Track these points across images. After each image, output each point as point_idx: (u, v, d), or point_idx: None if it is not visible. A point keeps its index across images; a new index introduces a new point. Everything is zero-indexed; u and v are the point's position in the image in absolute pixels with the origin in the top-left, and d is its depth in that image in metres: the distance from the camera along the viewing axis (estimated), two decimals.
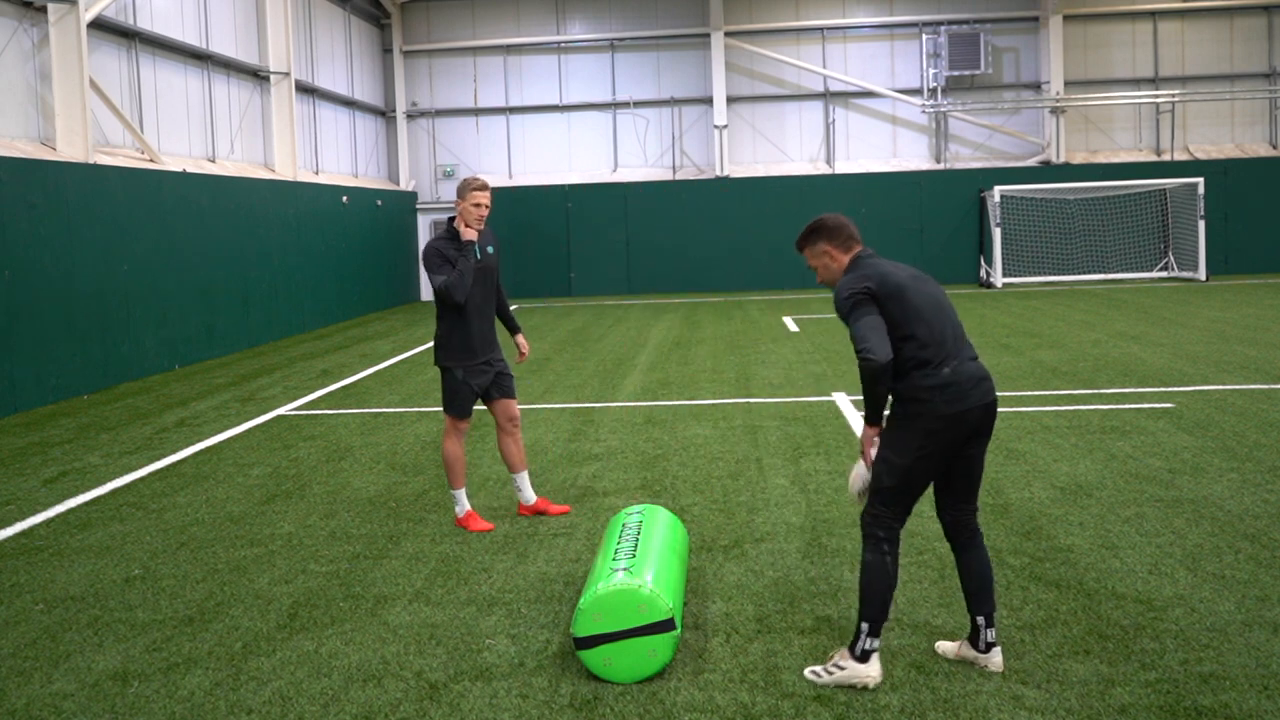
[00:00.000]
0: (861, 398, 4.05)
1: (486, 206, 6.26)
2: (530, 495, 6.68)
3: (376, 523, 6.62)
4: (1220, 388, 10.04)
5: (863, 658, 4.08)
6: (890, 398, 4.11)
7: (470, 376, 6.31)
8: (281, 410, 10.82)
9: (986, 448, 4.19)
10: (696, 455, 8.13)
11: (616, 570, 4.39)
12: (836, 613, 4.85)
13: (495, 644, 4.65)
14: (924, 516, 6.28)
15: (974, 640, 4.23)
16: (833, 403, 10.05)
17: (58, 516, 7.04)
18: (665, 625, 4.22)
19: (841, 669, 4.10)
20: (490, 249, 6.44)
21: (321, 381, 12.72)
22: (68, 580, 5.73)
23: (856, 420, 9.17)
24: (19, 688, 4.39)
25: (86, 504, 7.33)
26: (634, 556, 4.53)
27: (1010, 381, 10.83)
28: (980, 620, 4.20)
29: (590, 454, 8.32)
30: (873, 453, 4.14)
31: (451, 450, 6.42)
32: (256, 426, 9.98)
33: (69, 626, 5.05)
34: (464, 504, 6.49)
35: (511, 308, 6.91)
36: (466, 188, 6.23)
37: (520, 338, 6.76)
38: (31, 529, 6.76)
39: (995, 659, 4.20)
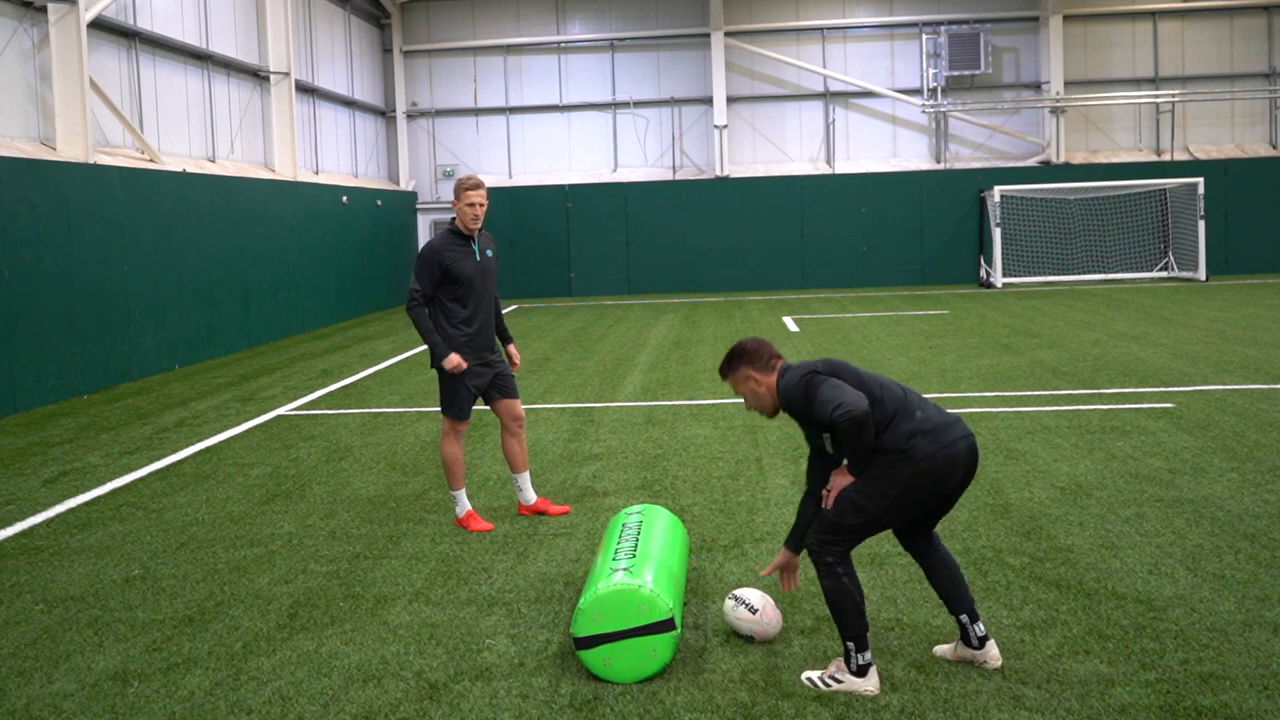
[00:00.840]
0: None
1: (482, 204, 6.24)
2: (531, 495, 6.68)
3: (376, 523, 6.62)
4: (1220, 388, 10.04)
5: (860, 672, 4.06)
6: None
7: (468, 377, 6.30)
8: (281, 410, 10.82)
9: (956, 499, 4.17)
10: (696, 455, 8.13)
11: (616, 570, 4.39)
12: None
13: (495, 644, 4.65)
14: None
15: (965, 639, 4.21)
16: None
17: (58, 516, 7.04)
18: (665, 625, 4.22)
19: (839, 681, 4.08)
20: (490, 252, 6.44)
21: (321, 381, 12.72)
22: (68, 580, 5.73)
23: None
24: (19, 688, 4.39)
25: (86, 504, 7.33)
26: (634, 556, 4.54)
27: (1010, 381, 10.83)
28: (964, 618, 4.19)
29: (590, 454, 8.32)
30: (838, 488, 4.07)
31: (450, 451, 6.41)
32: (256, 426, 9.98)
33: (69, 626, 5.05)
34: (464, 504, 6.49)
35: (510, 309, 6.90)
36: (460, 188, 6.22)
37: (512, 348, 6.73)
38: (31, 529, 6.76)
39: (992, 652, 4.19)
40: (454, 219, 6.33)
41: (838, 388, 3.93)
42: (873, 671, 4.07)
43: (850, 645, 4.05)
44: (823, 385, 3.96)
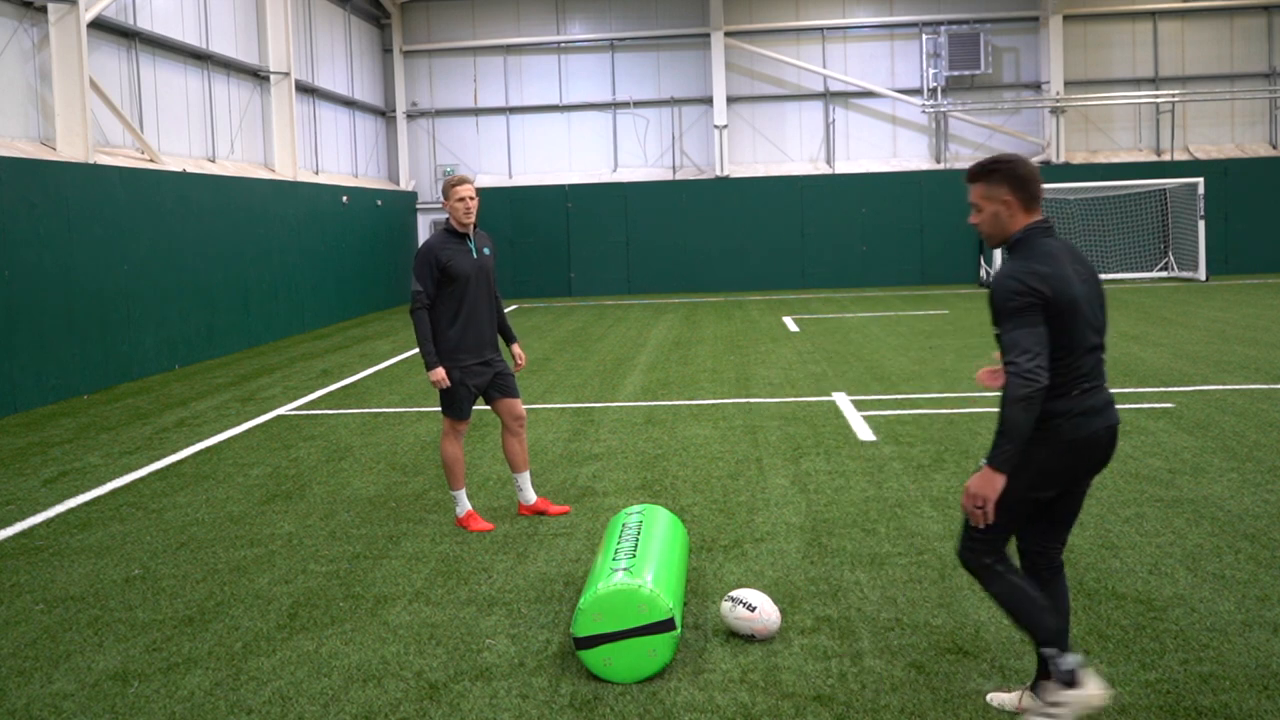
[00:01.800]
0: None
1: (472, 199, 6.26)
2: (531, 495, 6.69)
3: (376, 523, 6.62)
4: (1220, 388, 10.04)
5: (1071, 680, 3.49)
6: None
7: (467, 377, 6.31)
8: (281, 410, 10.82)
9: (1090, 483, 3.70)
10: (696, 455, 8.13)
11: (616, 570, 4.39)
12: (836, 613, 4.85)
13: (495, 644, 4.65)
14: (924, 517, 6.29)
15: (1046, 671, 3.64)
16: (833, 403, 10.05)
17: (58, 516, 7.04)
18: (665, 625, 4.22)
19: (1064, 704, 3.50)
20: (486, 250, 6.45)
21: (321, 381, 12.72)
22: (68, 580, 5.73)
23: (856, 420, 9.16)
24: (19, 688, 4.39)
25: (86, 504, 7.33)
26: (634, 556, 4.54)
27: None
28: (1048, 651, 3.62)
29: (590, 454, 8.32)
30: (992, 510, 3.47)
31: (450, 452, 6.42)
32: (256, 426, 9.98)
33: (69, 626, 5.05)
34: (464, 504, 6.49)
35: (510, 309, 6.90)
36: (448, 186, 6.27)
37: (516, 347, 6.75)
38: (31, 529, 6.76)
39: (1090, 681, 3.59)
40: (448, 219, 6.36)
41: (1040, 342, 3.35)
42: (1089, 674, 3.52)
43: (1049, 651, 3.51)
44: (1025, 329, 3.37)
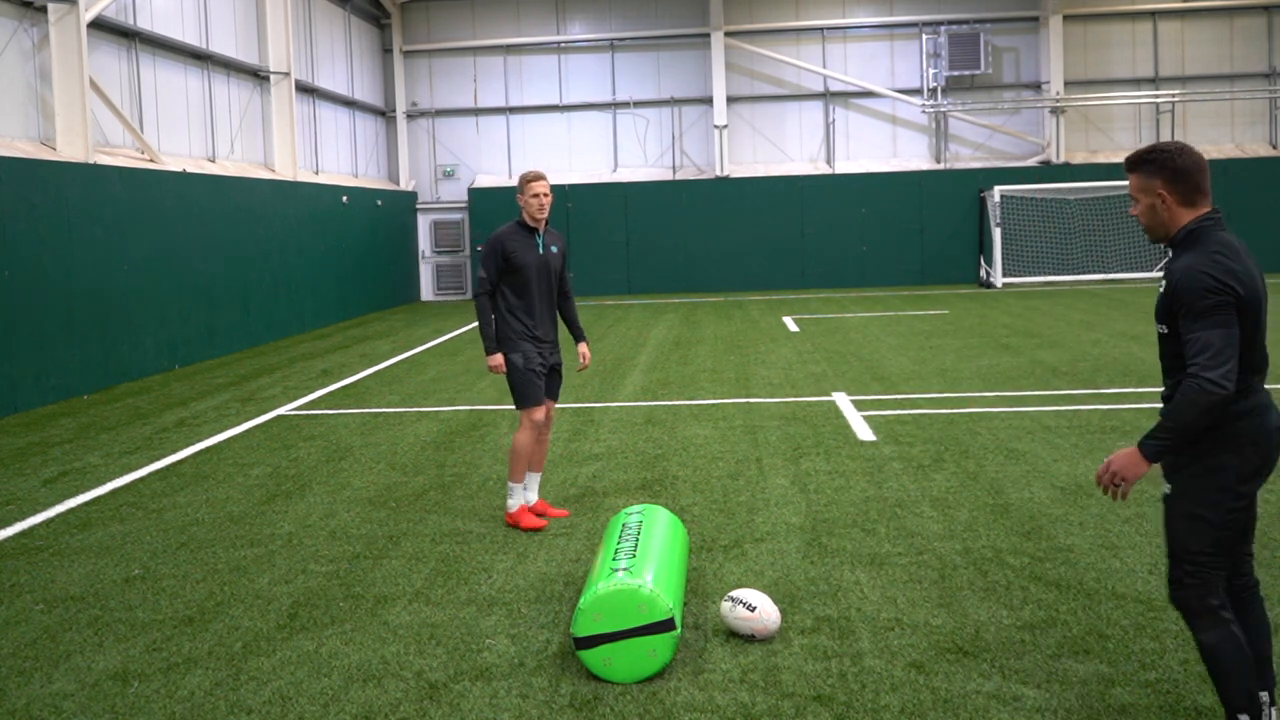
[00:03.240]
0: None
1: (546, 195, 6.28)
2: (533, 496, 6.67)
3: (376, 523, 6.62)
4: None
5: None
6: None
7: (531, 362, 6.28)
8: (281, 410, 10.82)
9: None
10: (696, 455, 8.13)
11: (616, 570, 4.39)
12: (836, 612, 4.85)
13: (495, 644, 4.65)
14: (924, 517, 6.29)
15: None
16: (833, 403, 10.05)
17: (58, 516, 7.04)
18: (665, 625, 4.22)
19: None
20: (554, 249, 6.47)
21: (321, 381, 12.72)
22: (68, 580, 5.73)
23: (856, 420, 9.16)
24: (19, 688, 4.39)
25: (86, 504, 7.33)
26: (634, 556, 4.54)
27: (1010, 381, 10.83)
28: (1264, 697, 3.32)
29: (590, 454, 8.32)
30: (1129, 489, 3.31)
31: (525, 443, 6.32)
32: (256, 426, 9.98)
33: (69, 626, 5.05)
34: (519, 499, 6.43)
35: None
36: (523, 180, 6.31)
37: (583, 346, 6.74)
38: (31, 529, 6.76)
39: None
40: (521, 211, 6.37)
41: (1233, 345, 3.12)
42: None
43: (1244, 719, 3.21)
44: (1219, 330, 3.13)
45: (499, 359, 6.27)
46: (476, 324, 6.36)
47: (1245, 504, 3.28)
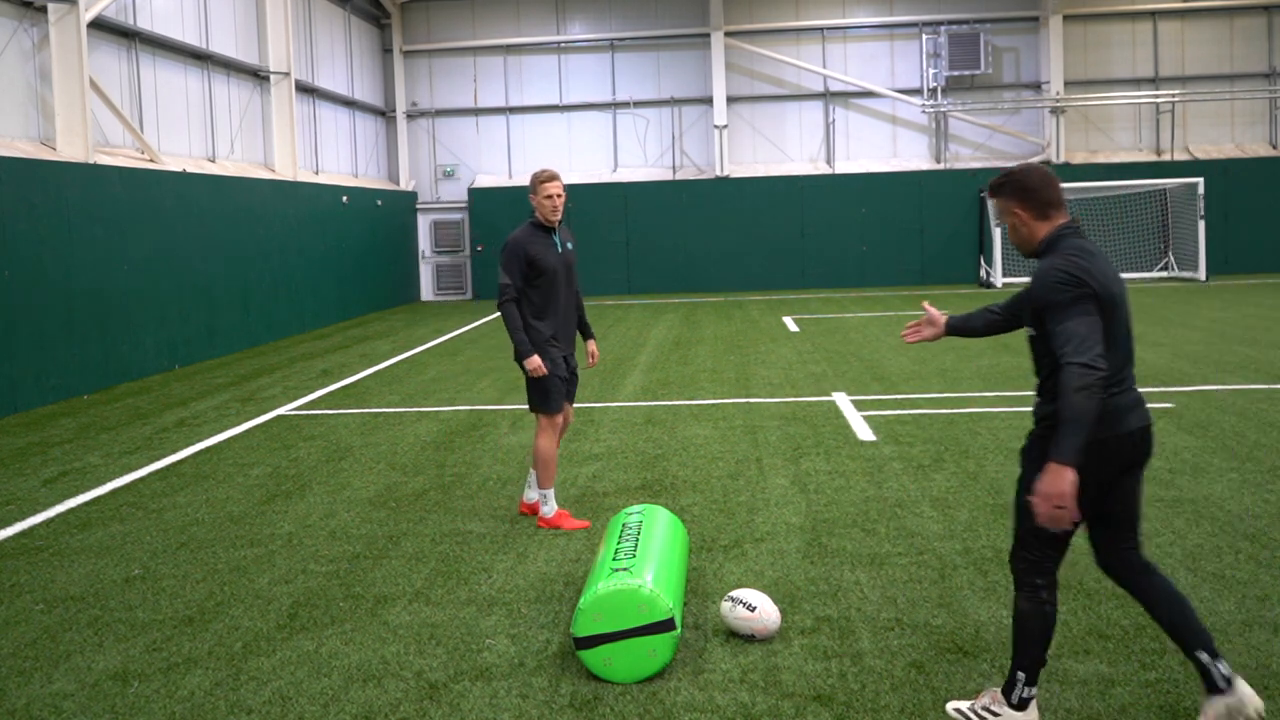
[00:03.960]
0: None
1: (560, 195, 6.23)
2: (534, 495, 6.63)
3: (376, 523, 6.62)
4: (1220, 388, 10.04)
5: (1020, 705, 3.66)
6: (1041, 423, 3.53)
7: (558, 368, 6.27)
8: (281, 410, 10.82)
9: (1142, 476, 3.65)
10: (696, 455, 8.13)
11: (617, 570, 4.39)
12: (836, 612, 4.85)
13: (495, 644, 4.65)
14: (924, 517, 6.29)
15: (1209, 683, 3.55)
16: (832, 403, 10.05)
17: (58, 516, 7.04)
18: (665, 625, 4.22)
19: (995, 715, 3.69)
20: (569, 245, 6.44)
21: (321, 381, 12.72)
22: (68, 580, 5.73)
23: (856, 420, 9.16)
24: (19, 688, 4.39)
25: (86, 504, 7.33)
26: (634, 556, 4.54)
27: (1010, 381, 10.83)
28: (1203, 656, 3.53)
29: (590, 454, 8.32)
30: (1074, 508, 3.35)
31: (548, 448, 6.31)
32: (256, 426, 9.98)
33: (69, 626, 5.05)
34: (554, 504, 6.40)
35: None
36: (536, 181, 6.23)
37: (592, 344, 6.76)
38: (31, 529, 6.76)
39: (1245, 691, 3.51)
40: (534, 212, 6.31)
41: (1098, 331, 3.31)
42: (1033, 706, 3.67)
43: (1021, 675, 3.64)
44: (1082, 318, 3.32)
45: (537, 360, 6.17)
46: (498, 326, 6.24)
47: (1087, 496, 3.45)
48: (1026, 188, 3.59)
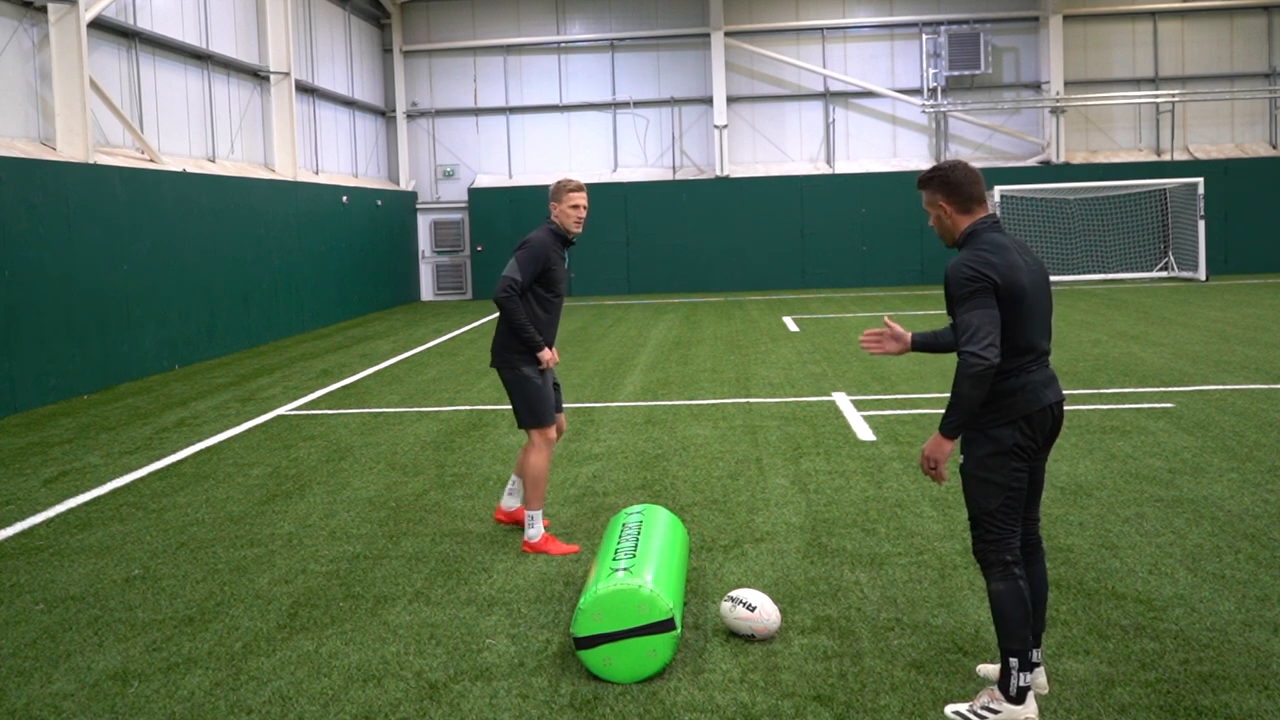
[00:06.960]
0: (950, 406, 3.67)
1: (585, 208, 6.04)
2: (514, 503, 6.34)
3: (376, 523, 6.62)
4: (1220, 388, 10.04)
5: (1018, 696, 3.71)
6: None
7: (545, 377, 5.99)
8: (281, 410, 10.82)
9: (1049, 454, 3.86)
10: (696, 455, 8.13)
11: (617, 570, 4.39)
12: (836, 612, 4.85)
13: (495, 644, 4.65)
14: (924, 517, 6.29)
15: (1003, 685, 3.84)
16: (833, 403, 10.05)
17: (58, 516, 7.04)
18: (665, 625, 4.22)
19: (995, 712, 3.74)
20: (567, 258, 6.33)
21: (321, 381, 12.72)
22: (68, 580, 5.73)
23: (856, 420, 9.17)
24: (19, 688, 4.39)
25: (86, 504, 7.33)
26: (634, 556, 4.54)
27: None
28: (1013, 661, 3.81)
29: (590, 454, 8.32)
30: (944, 470, 3.80)
31: (539, 465, 5.91)
32: (256, 426, 9.98)
33: (69, 626, 5.05)
34: (540, 527, 5.96)
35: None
36: (562, 190, 5.99)
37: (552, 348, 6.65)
38: (31, 529, 6.76)
39: (1039, 679, 3.93)
40: (551, 219, 6.08)
41: (993, 323, 3.60)
42: (1031, 697, 3.72)
43: (1013, 662, 3.70)
44: (978, 310, 3.62)
45: (549, 351, 5.92)
46: (510, 324, 5.72)
47: (1026, 469, 3.76)
48: (951, 182, 3.87)
